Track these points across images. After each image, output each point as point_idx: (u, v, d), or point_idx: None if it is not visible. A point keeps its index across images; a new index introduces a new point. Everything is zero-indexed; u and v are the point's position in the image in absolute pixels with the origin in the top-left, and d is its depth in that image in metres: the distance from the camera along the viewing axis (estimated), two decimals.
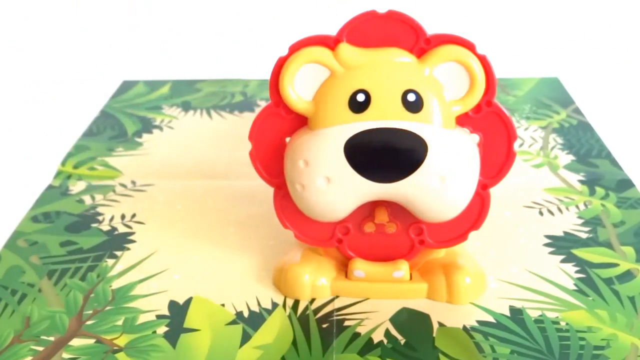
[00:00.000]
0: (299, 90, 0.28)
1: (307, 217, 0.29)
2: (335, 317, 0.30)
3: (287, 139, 0.29)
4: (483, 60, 0.27)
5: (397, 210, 0.29)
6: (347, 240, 0.30)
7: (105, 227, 0.37)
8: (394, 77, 0.27)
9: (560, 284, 0.32)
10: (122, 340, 0.29)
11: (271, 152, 0.29)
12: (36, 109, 0.69)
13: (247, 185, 0.40)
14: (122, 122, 0.49)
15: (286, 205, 0.30)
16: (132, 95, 0.54)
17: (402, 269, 0.30)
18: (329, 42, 0.27)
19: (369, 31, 0.27)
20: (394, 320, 0.30)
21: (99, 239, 0.36)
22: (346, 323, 0.29)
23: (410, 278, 0.31)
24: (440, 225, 0.30)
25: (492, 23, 0.75)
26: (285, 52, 0.28)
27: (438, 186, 0.27)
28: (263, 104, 0.51)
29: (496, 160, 0.29)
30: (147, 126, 0.49)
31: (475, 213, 0.30)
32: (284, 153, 0.29)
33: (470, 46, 0.27)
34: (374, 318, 0.30)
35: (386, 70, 0.27)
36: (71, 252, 0.35)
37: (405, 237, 0.30)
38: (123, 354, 0.28)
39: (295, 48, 0.28)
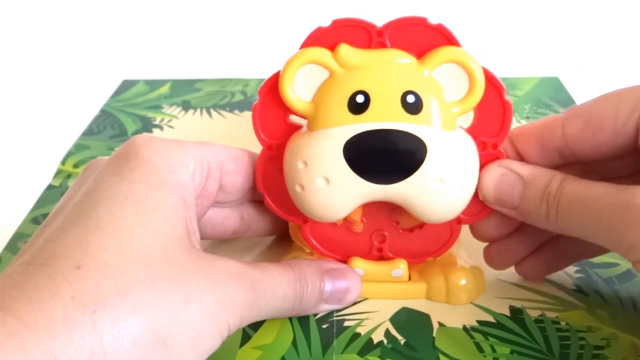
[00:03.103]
0: (298, 91, 0.28)
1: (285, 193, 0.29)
2: (335, 318, 0.30)
3: None
4: (440, 29, 0.27)
5: (378, 212, 0.30)
6: (310, 226, 0.30)
7: None
8: (394, 78, 0.27)
9: (560, 283, 0.32)
10: None
11: (284, 193, 0.29)
12: (36, 109, 0.69)
13: None
14: (122, 121, 0.49)
15: (318, 234, 0.30)
16: (132, 95, 0.54)
17: (400, 267, 0.30)
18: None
19: (327, 46, 0.27)
20: (393, 320, 0.30)
21: None
22: (346, 323, 0.30)
23: (410, 278, 0.31)
24: (405, 238, 0.30)
25: (492, 23, 0.75)
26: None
27: (437, 188, 0.27)
28: None
29: (494, 118, 0.28)
30: (147, 125, 0.49)
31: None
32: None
33: (422, 21, 0.27)
34: (374, 318, 0.30)
35: (385, 72, 0.27)
36: None
37: (367, 241, 0.31)
38: None
39: (265, 89, 0.28)
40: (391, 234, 0.30)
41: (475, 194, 0.28)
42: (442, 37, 0.27)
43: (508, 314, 0.30)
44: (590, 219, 0.25)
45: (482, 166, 0.28)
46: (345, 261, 0.31)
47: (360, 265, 0.30)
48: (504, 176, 0.28)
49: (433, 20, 0.27)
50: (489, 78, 0.28)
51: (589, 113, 0.27)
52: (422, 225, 0.30)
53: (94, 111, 0.51)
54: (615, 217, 0.24)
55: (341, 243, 0.31)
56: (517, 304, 0.31)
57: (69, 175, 0.42)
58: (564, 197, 0.26)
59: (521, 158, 0.29)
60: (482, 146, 0.28)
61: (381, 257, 0.31)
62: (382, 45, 0.27)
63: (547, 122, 0.28)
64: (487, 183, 0.28)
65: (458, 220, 0.30)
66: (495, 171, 0.28)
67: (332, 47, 0.27)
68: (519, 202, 0.28)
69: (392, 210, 0.30)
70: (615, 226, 0.25)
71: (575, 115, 0.27)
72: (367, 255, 0.31)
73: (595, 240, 0.26)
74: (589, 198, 0.25)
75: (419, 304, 0.31)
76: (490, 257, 0.31)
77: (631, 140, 0.26)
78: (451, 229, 0.30)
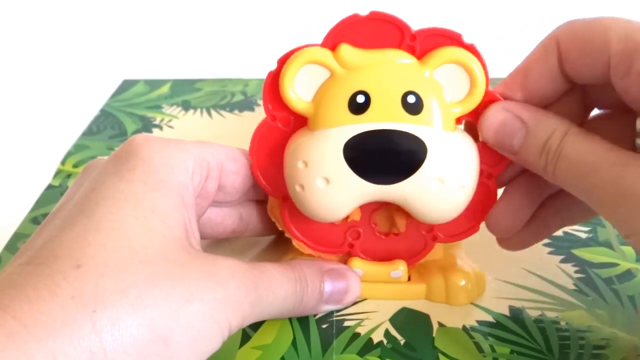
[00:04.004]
0: (299, 91, 0.28)
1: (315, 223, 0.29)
2: (334, 318, 0.30)
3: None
4: (472, 50, 0.27)
5: (360, 209, 0.30)
6: (290, 206, 0.30)
7: None
8: (394, 79, 0.27)
9: (560, 283, 0.32)
10: None
11: (273, 165, 0.29)
12: (36, 108, 0.69)
13: None
14: (122, 121, 0.49)
15: (295, 215, 0.30)
16: (132, 95, 0.54)
17: (399, 268, 0.30)
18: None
19: (355, 35, 0.27)
20: (393, 320, 0.30)
21: None
22: (346, 323, 0.30)
23: (409, 279, 0.31)
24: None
25: (491, 23, 0.75)
26: (279, 61, 0.28)
27: (437, 188, 0.27)
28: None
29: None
30: (147, 125, 0.49)
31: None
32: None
33: (456, 37, 0.27)
34: (374, 318, 0.30)
35: (386, 72, 0.27)
36: None
37: (341, 234, 0.31)
38: None
39: (283, 60, 0.28)
40: (366, 233, 0.30)
41: (458, 217, 0.28)
42: (472, 55, 0.27)
43: (508, 314, 0.30)
44: (584, 187, 0.25)
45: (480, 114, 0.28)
46: (313, 247, 0.31)
47: (359, 265, 0.30)
48: (507, 121, 0.27)
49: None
50: (439, 33, 0.27)
51: (579, 31, 0.26)
52: (398, 232, 0.30)
53: (94, 111, 0.51)
54: (605, 193, 0.24)
55: (315, 229, 0.30)
56: (517, 304, 0.31)
57: (68, 175, 0.42)
58: (562, 158, 0.26)
59: (529, 90, 0.27)
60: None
61: (349, 254, 0.31)
62: (411, 49, 0.27)
63: (544, 45, 0.27)
64: (489, 126, 0.27)
65: (434, 237, 0.30)
66: (498, 114, 0.27)
67: (360, 38, 0.27)
68: (519, 149, 0.27)
69: (374, 211, 0.30)
70: (606, 199, 0.24)
71: (568, 30, 0.26)
72: (336, 248, 0.31)
73: (589, 203, 0.26)
74: (584, 165, 0.25)
75: (419, 304, 0.31)
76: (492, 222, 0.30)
77: (602, 74, 0.25)
78: (425, 243, 0.30)
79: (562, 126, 0.26)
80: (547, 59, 0.27)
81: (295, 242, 0.31)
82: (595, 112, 0.29)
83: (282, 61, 0.28)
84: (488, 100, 0.28)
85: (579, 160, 0.25)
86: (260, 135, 0.29)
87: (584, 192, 0.25)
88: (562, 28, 0.27)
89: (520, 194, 0.29)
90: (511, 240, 0.30)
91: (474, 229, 0.30)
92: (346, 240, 0.31)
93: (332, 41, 0.27)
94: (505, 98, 0.28)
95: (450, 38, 0.27)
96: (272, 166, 0.29)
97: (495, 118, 0.27)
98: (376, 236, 0.30)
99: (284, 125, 0.29)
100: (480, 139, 0.28)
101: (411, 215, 0.28)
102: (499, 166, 0.29)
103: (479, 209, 0.29)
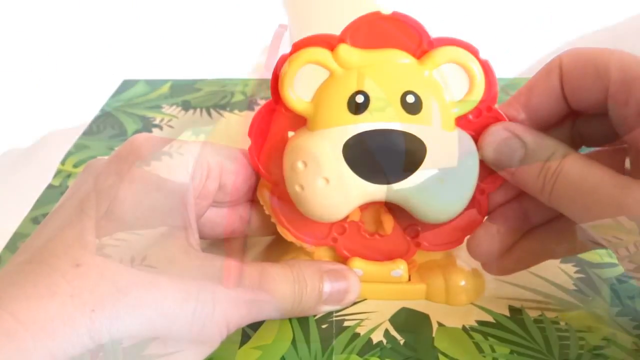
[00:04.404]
0: (299, 91, 0.28)
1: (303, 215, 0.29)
2: (334, 318, 0.30)
3: (290, 133, 0.29)
4: (485, 66, 0.27)
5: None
6: (279, 192, 0.30)
7: None
8: (393, 79, 0.27)
9: (560, 283, 0.32)
10: None
11: (270, 148, 0.29)
12: (36, 108, 0.69)
13: None
14: (122, 121, 0.49)
15: (284, 201, 0.30)
16: (132, 95, 0.54)
17: (400, 268, 0.30)
18: (333, 42, 0.27)
19: (373, 32, 0.27)
20: (393, 320, 0.30)
21: None
22: (345, 323, 0.30)
23: (409, 279, 0.31)
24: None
25: (491, 23, 0.75)
26: (295, 45, 0.28)
27: (436, 188, 0.27)
28: (263, 103, 0.51)
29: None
30: (147, 125, 0.49)
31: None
32: (283, 149, 0.29)
33: (473, 51, 0.27)
34: (374, 318, 0.30)
35: (385, 72, 0.27)
36: None
37: (326, 227, 0.30)
38: None
39: (298, 46, 0.28)
40: (351, 229, 0.30)
41: (439, 226, 0.29)
42: (484, 71, 0.27)
43: (507, 314, 0.30)
44: (582, 207, 0.25)
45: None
46: (297, 236, 0.31)
47: (359, 265, 0.30)
48: (507, 140, 0.27)
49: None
50: (457, 44, 0.27)
51: (582, 56, 0.27)
52: (382, 234, 0.30)
53: (94, 111, 0.51)
54: (604, 213, 0.24)
55: (300, 219, 0.30)
56: (517, 304, 0.31)
57: (69, 175, 0.42)
58: (561, 178, 0.26)
59: (531, 109, 0.28)
60: (477, 113, 0.28)
61: (332, 248, 0.31)
62: (425, 55, 0.27)
63: (548, 66, 0.28)
64: (489, 144, 0.28)
65: (417, 244, 0.30)
66: (499, 133, 0.28)
67: (376, 36, 0.27)
68: (517, 169, 0.27)
69: (363, 210, 0.30)
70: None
71: (572, 54, 0.27)
72: (320, 240, 0.31)
73: (584, 224, 0.26)
74: (584, 185, 0.25)
75: (419, 304, 0.31)
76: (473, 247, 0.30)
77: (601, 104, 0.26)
78: (408, 248, 0.30)
79: (561, 149, 0.27)
80: (550, 79, 0.27)
81: (279, 228, 0.31)
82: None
83: (297, 46, 0.28)
84: (494, 119, 0.28)
85: (578, 181, 0.25)
86: (262, 116, 0.29)
87: (581, 213, 0.25)
88: (567, 52, 0.27)
89: (501, 223, 0.29)
90: (493, 265, 0.30)
91: (458, 241, 0.30)
92: (331, 234, 0.30)
93: (350, 35, 0.27)
94: (509, 116, 0.28)
95: (469, 50, 0.27)
96: (269, 149, 0.29)
97: (495, 137, 0.28)
98: (361, 234, 0.30)
99: (287, 109, 0.29)
100: (479, 157, 0.28)
101: (412, 214, 0.28)
102: (494, 183, 0.29)
103: (467, 223, 0.30)
